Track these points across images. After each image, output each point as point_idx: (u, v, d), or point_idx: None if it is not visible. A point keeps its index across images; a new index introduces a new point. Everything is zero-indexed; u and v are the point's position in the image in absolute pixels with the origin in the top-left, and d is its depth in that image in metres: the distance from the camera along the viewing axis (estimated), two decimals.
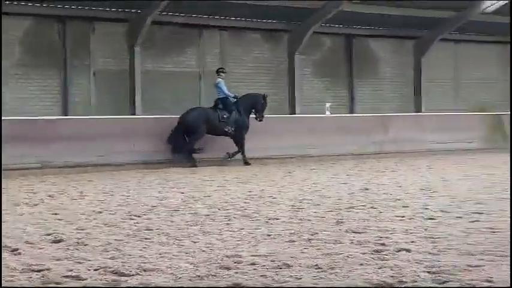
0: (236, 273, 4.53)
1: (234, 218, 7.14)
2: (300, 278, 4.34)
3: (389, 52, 22.86)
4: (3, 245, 5.49)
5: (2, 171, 12.48)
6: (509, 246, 5.22)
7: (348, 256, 4.96)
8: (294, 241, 5.68)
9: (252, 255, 5.07)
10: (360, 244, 5.48)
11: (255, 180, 11.85)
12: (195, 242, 5.71)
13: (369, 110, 21.57)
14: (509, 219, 6.63)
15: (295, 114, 20.31)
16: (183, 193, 9.83)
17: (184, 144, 15.51)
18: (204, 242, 5.69)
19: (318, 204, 8.18)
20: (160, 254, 5.22)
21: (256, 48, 20.62)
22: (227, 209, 7.85)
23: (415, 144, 19.25)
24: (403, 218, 6.90)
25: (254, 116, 16.41)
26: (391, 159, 17.02)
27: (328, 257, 4.98)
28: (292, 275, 4.43)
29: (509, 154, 15.49)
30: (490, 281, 4.14)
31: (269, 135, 16.90)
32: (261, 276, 4.44)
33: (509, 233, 5.84)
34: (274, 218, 7.09)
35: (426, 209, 7.55)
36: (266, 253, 5.16)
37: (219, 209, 7.86)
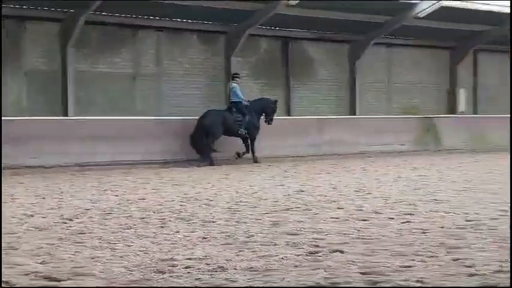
0: (171, 276, 4.50)
1: (169, 221, 7.09)
2: (235, 281, 4.34)
3: (326, 55, 23.10)
4: None
5: None
6: (439, 247, 5.35)
7: (282, 258, 5.00)
8: (229, 244, 5.68)
9: (187, 259, 5.05)
10: (295, 246, 5.53)
11: (190, 182, 11.79)
12: (129, 246, 5.64)
13: (305, 112, 21.76)
14: (438, 220, 6.80)
15: None
16: (117, 196, 9.70)
17: (205, 144, 16.48)
18: (138, 246, 5.63)
19: (254, 207, 8.20)
20: (93, 258, 5.14)
21: (193, 49, 20.52)
22: (162, 212, 7.79)
23: (350, 146, 19.55)
24: (338, 220, 6.99)
25: (264, 118, 17.65)
26: (326, 162, 17.23)
27: (264, 259, 5.00)
28: (227, 277, 4.44)
29: (434, 156, 15.89)
30: (420, 281, 4.23)
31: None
32: (196, 279, 4.42)
33: (437, 233, 6.00)
34: (210, 220, 7.07)
35: (360, 210, 7.68)
36: (201, 256, 5.14)
37: (153, 212, 7.79)
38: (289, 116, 21.56)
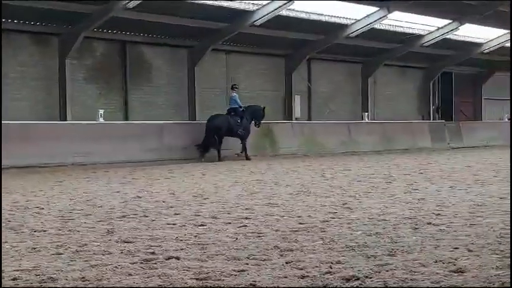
0: None
1: None
2: None
3: (164, 60, 23.02)
4: None
5: None
6: (273, 250, 5.46)
7: (116, 267, 4.87)
8: (61, 254, 5.46)
9: (15, 270, 4.79)
10: (130, 254, 5.42)
11: (21, 190, 11.22)
12: None
13: (143, 117, 21.52)
14: (273, 223, 6.95)
15: (66, 120, 19.60)
16: None
17: (214, 143, 19.62)
18: None
19: (89, 214, 7.95)
20: None
21: (24, 51, 19.63)
22: None
23: (189, 151, 19.55)
24: (175, 226, 6.94)
25: (254, 122, 20.76)
26: (166, 167, 17.11)
27: (97, 268, 4.85)
28: None
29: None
30: (253, 285, 4.28)
31: (32, 142, 16.23)
32: None
33: (272, 237, 6.12)
34: (40, 230, 6.76)
35: (198, 215, 7.68)
36: (30, 267, 4.90)
37: None
38: (127, 120, 21.23)
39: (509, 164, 14.35)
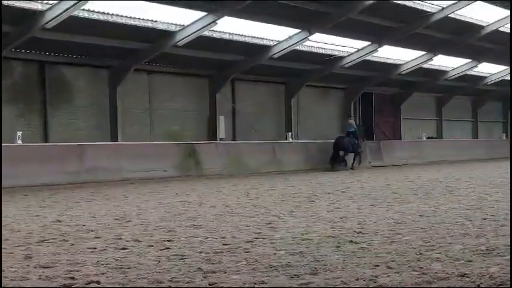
0: None
1: None
2: None
3: (85, 80, 22.66)
4: None
5: None
6: (196, 272, 5.40)
7: None
8: None
9: None
10: (49, 279, 5.25)
11: None
12: None
13: (64, 138, 21.06)
14: (196, 245, 6.89)
15: None
16: None
17: (338, 158, 26.38)
18: None
19: (6, 239, 7.67)
20: None
21: None
22: None
23: (111, 173, 19.26)
24: (95, 250, 6.78)
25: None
26: (86, 189, 16.74)
27: None
28: None
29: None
30: None
31: None
32: None
33: (195, 259, 6.06)
34: None
35: (120, 239, 7.53)
36: None
37: None
38: (47, 142, 20.73)
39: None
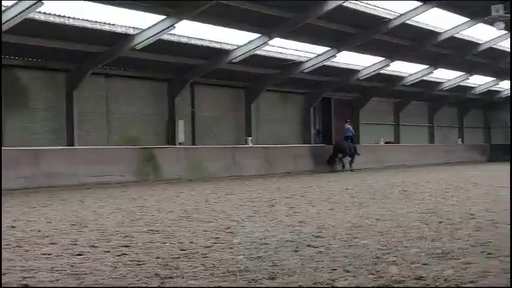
0: None
1: None
2: None
3: (42, 84, 22.30)
4: None
5: None
6: (153, 278, 5.34)
7: None
8: None
9: None
10: (2, 286, 5.13)
11: None
12: None
13: (19, 143, 20.69)
14: (153, 251, 6.83)
15: None
16: None
17: (336, 159, 29.54)
18: None
19: None
20: None
21: None
22: None
23: (68, 178, 19.00)
24: (50, 256, 6.66)
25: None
26: (42, 194, 16.48)
27: None
28: None
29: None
30: None
31: None
32: None
33: (152, 264, 6.00)
34: None
35: (75, 244, 7.41)
36: None
37: None
38: (1, 146, 20.31)
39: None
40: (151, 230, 8.60)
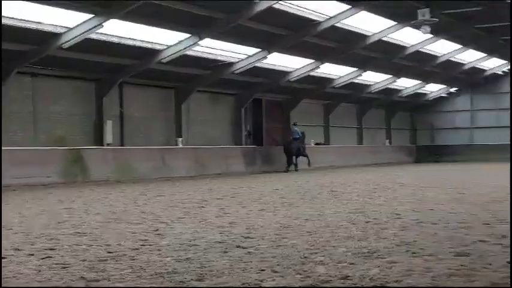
0: None
1: None
2: None
3: None
4: None
5: None
6: (78, 281, 5.24)
7: None
8: None
9: None
10: None
11: None
12: None
13: None
14: (80, 254, 6.70)
15: None
16: None
17: (291, 161, 30.82)
18: None
19: None
20: None
21: None
22: None
23: None
24: None
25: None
26: None
27: None
28: None
29: None
30: None
31: None
32: None
33: (77, 267, 5.88)
34: None
35: None
36: None
37: None
38: None
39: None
40: (78, 233, 8.43)
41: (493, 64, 43.67)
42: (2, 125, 21.93)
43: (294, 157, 30.89)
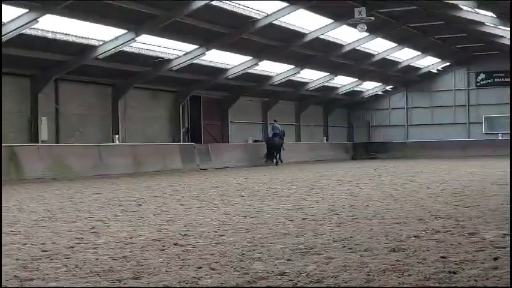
0: None
1: None
2: None
3: None
4: None
5: None
6: (11, 281, 5.12)
7: None
8: None
9: None
10: None
11: None
12: None
13: None
14: (14, 252, 6.55)
15: None
16: None
17: (271, 155, 33.56)
18: None
19: None
20: None
21: None
22: None
23: None
24: None
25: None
26: None
27: None
28: None
29: None
30: None
31: None
32: None
33: (12, 266, 5.76)
34: None
35: None
36: None
37: None
38: None
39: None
40: (12, 231, 8.24)
41: (427, 63, 44.71)
42: None
43: (274, 152, 33.34)
